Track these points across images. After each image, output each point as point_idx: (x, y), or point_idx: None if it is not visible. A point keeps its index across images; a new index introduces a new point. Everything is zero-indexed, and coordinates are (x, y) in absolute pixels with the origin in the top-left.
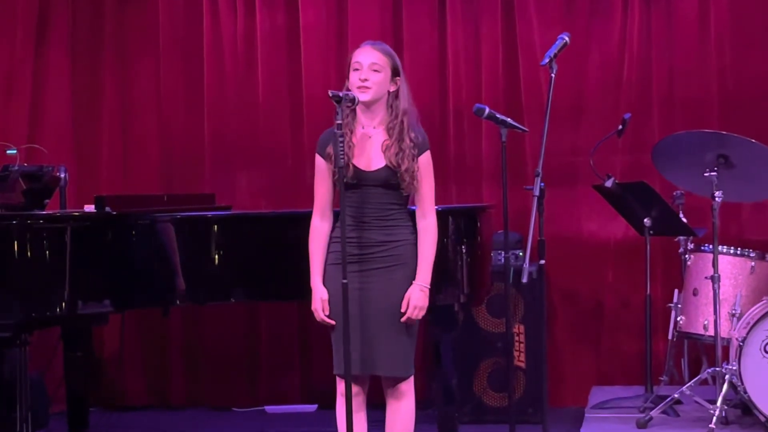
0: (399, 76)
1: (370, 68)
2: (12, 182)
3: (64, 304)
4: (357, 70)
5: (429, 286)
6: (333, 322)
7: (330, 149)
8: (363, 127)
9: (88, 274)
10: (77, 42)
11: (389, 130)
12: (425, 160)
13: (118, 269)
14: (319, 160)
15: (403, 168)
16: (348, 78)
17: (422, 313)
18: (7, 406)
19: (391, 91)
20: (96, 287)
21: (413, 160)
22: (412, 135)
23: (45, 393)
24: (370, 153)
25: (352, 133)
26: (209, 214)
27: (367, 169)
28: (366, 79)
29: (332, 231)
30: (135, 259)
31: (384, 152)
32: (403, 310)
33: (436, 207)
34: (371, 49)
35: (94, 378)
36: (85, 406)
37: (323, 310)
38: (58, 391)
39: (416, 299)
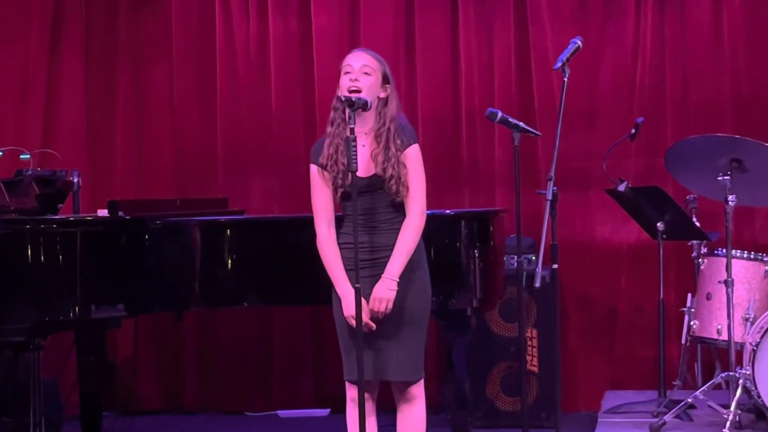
0: (389, 83)
1: (361, 71)
2: (25, 187)
3: (77, 308)
4: (348, 73)
5: (397, 280)
6: (373, 325)
7: (323, 159)
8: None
9: (101, 279)
10: (91, 47)
11: (377, 138)
12: (412, 152)
13: (131, 274)
14: (314, 170)
15: (388, 175)
16: (339, 85)
17: (386, 306)
18: (21, 411)
19: (381, 97)
20: (109, 292)
21: (400, 165)
22: (398, 142)
23: (58, 397)
24: (364, 159)
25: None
26: (222, 218)
27: (363, 175)
28: (356, 80)
29: (339, 237)
30: (148, 264)
31: (373, 160)
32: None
33: (448, 211)
34: (362, 53)
35: (108, 382)
36: (98, 411)
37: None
38: (71, 396)
39: (379, 291)
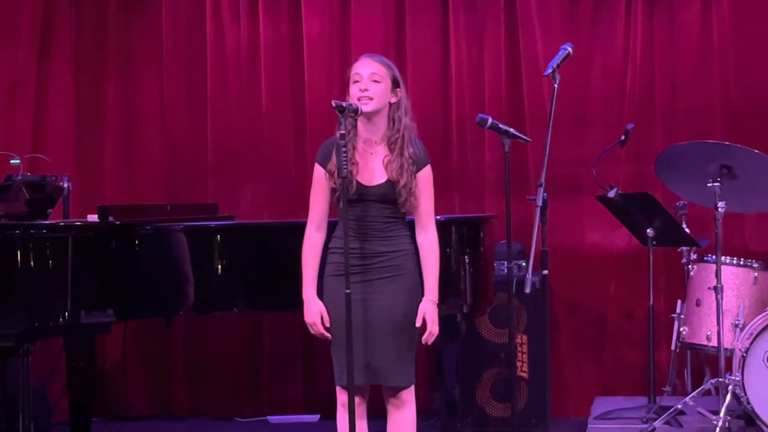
0: (399, 87)
1: (369, 79)
2: (15, 192)
3: (66, 313)
4: (357, 81)
5: (436, 300)
6: (330, 336)
7: (331, 166)
8: (364, 142)
9: (91, 284)
10: (81, 52)
11: (390, 144)
12: (425, 174)
13: (120, 279)
14: (319, 170)
15: (402, 183)
16: (348, 92)
17: (437, 327)
18: (10, 417)
19: (392, 102)
20: (99, 297)
21: (411, 176)
22: (411, 150)
23: (47, 403)
24: (373, 168)
25: (354, 147)
26: (212, 224)
27: (369, 184)
28: (366, 89)
29: (329, 242)
30: (138, 269)
31: (386, 167)
32: (418, 325)
33: (438, 217)
34: (370, 61)
35: (97, 388)
36: (87, 417)
37: (323, 323)
38: (60, 402)
39: (432, 313)
